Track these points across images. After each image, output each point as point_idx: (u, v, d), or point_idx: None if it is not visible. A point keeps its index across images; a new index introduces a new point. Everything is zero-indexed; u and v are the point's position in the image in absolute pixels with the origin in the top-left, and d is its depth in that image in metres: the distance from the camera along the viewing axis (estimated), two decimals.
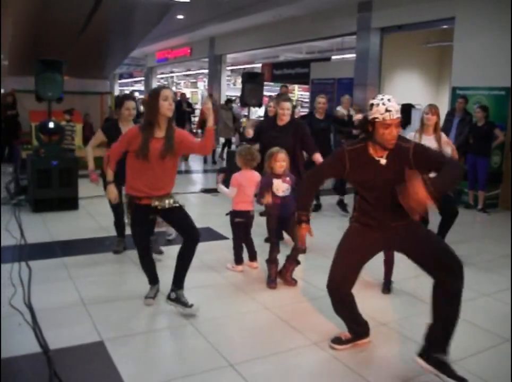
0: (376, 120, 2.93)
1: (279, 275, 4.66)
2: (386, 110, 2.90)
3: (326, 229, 6.44)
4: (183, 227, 3.94)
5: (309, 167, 4.54)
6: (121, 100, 5.34)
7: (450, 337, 2.99)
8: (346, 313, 3.46)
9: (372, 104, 2.97)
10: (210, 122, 3.79)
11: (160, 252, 5.23)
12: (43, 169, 7.10)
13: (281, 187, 4.58)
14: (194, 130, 15.34)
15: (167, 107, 3.72)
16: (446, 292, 2.97)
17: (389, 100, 2.93)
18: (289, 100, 5.75)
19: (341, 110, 8.56)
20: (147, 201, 3.85)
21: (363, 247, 3.23)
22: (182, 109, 14.63)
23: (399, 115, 2.94)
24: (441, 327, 3.00)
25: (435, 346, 3.00)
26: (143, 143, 3.72)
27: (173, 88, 30.06)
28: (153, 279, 4.19)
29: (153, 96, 3.74)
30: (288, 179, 4.63)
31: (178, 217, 3.95)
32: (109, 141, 4.92)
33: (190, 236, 3.89)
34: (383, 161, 3.04)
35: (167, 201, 3.87)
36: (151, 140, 3.74)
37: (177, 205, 3.92)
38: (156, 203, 3.84)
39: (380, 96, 2.99)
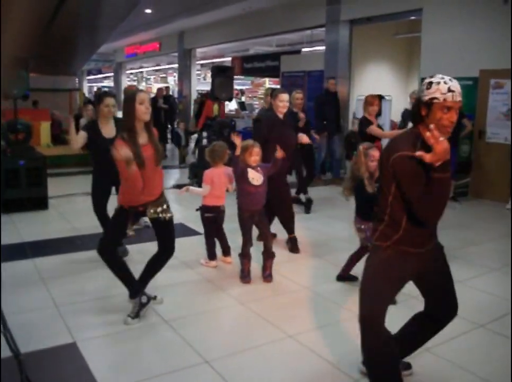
0: (435, 101, 2.38)
1: (266, 277, 4.67)
2: (449, 90, 2.37)
3: (317, 228, 6.51)
4: (164, 240, 3.91)
5: None
6: (100, 96, 5.11)
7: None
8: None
9: (431, 83, 2.40)
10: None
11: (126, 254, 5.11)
12: (10, 169, 6.94)
13: (256, 176, 4.57)
14: (179, 129, 13.16)
15: (143, 112, 3.60)
16: (434, 326, 2.86)
17: (450, 79, 2.41)
18: (286, 91, 5.69)
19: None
20: (142, 209, 3.80)
21: (401, 280, 2.67)
22: (158, 106, 13.17)
23: (461, 98, 2.44)
24: (406, 346, 2.94)
25: None
26: (136, 153, 3.56)
27: (143, 84, 29.81)
28: (134, 289, 3.87)
29: (129, 100, 3.63)
30: (259, 169, 4.62)
31: (164, 228, 3.89)
32: (89, 142, 4.82)
33: (167, 250, 3.90)
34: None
35: (160, 210, 3.82)
36: (141, 148, 3.62)
37: (169, 217, 3.86)
38: (152, 211, 3.79)
39: (438, 75, 2.44)
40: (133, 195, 3.71)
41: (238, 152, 4.41)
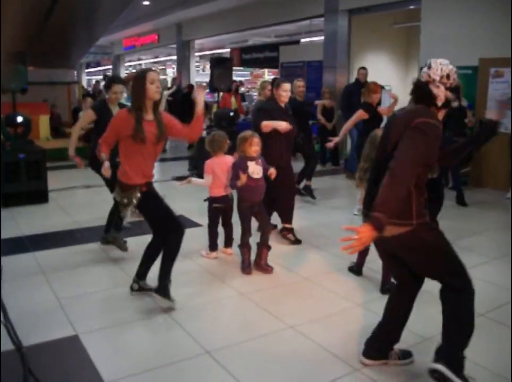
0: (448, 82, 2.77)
1: (254, 265, 4.66)
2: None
3: (317, 219, 6.51)
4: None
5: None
6: (108, 82, 5.16)
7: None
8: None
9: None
10: (200, 108, 3.78)
11: (126, 249, 5.10)
12: (10, 162, 6.94)
13: (256, 169, 4.57)
14: None
15: (154, 91, 3.62)
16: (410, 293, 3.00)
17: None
18: (288, 81, 5.67)
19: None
20: (144, 188, 3.77)
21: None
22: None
23: None
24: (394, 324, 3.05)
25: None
26: (138, 126, 3.60)
27: None
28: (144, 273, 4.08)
29: (139, 79, 3.64)
30: (260, 161, 4.63)
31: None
32: (98, 120, 4.87)
33: (174, 231, 3.87)
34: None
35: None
36: (144, 122, 3.65)
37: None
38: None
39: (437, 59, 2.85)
40: (135, 172, 3.71)
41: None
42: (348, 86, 10.31)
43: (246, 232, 4.66)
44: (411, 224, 2.63)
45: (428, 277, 2.88)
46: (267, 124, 5.17)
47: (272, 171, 4.63)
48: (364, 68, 10.20)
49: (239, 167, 4.55)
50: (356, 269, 4.58)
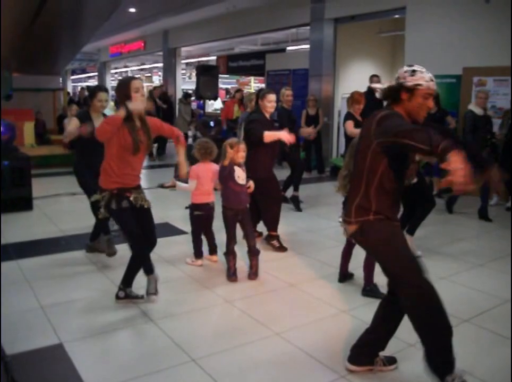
0: (419, 87, 2.61)
1: (249, 276, 4.67)
2: (431, 79, 2.64)
3: (303, 225, 6.53)
4: (145, 230, 3.91)
5: None
6: (93, 90, 5.09)
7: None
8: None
9: (414, 70, 2.64)
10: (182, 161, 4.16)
11: (114, 253, 5.05)
12: None
13: (241, 175, 4.64)
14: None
15: (140, 100, 3.63)
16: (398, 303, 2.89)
17: (426, 71, 2.66)
18: (273, 91, 5.69)
19: None
20: (128, 194, 3.80)
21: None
22: (157, 106, 12.54)
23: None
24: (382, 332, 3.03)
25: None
26: (135, 136, 3.63)
27: None
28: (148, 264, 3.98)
29: (123, 88, 3.63)
30: (244, 167, 4.69)
31: (143, 218, 3.91)
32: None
33: (150, 240, 3.93)
34: None
35: (141, 198, 3.86)
36: (138, 132, 3.68)
37: (149, 206, 3.92)
38: (135, 197, 3.81)
39: (416, 65, 2.69)
40: (118, 175, 3.72)
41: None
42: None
43: (231, 239, 4.66)
44: (368, 220, 2.70)
45: (386, 275, 2.86)
46: (270, 135, 5.13)
47: (251, 184, 4.74)
48: (376, 75, 10.13)
49: (226, 171, 4.60)
50: (340, 275, 4.61)
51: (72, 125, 4.86)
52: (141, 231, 3.86)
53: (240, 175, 4.62)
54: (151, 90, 13.68)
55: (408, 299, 2.71)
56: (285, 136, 5.15)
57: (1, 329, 3.50)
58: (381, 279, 3.21)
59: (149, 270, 3.95)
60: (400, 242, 2.77)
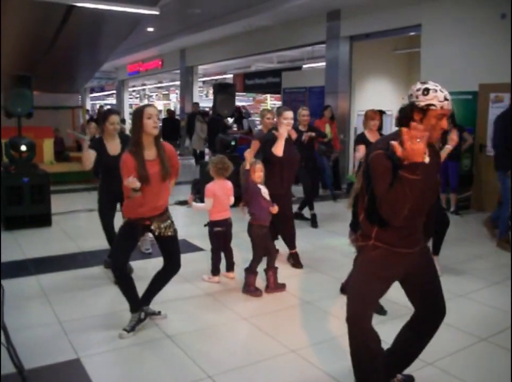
0: (432, 107, 2.44)
1: (266, 290, 4.71)
2: (445, 98, 2.45)
3: (319, 243, 6.53)
4: (170, 255, 3.96)
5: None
6: (105, 114, 5.13)
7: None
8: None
9: (428, 89, 2.47)
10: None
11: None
12: (14, 186, 6.99)
13: (266, 192, 4.75)
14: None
15: (152, 126, 3.64)
16: (425, 331, 2.84)
17: (441, 89, 2.49)
18: (290, 109, 5.63)
19: None
20: (147, 222, 3.83)
21: (386, 280, 2.69)
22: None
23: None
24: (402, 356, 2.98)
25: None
26: (141, 169, 3.62)
27: (146, 101, 29.99)
28: (136, 303, 3.93)
29: (137, 115, 3.68)
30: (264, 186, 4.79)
31: (169, 244, 3.94)
32: (98, 158, 4.84)
33: (174, 265, 3.95)
34: (427, 159, 2.36)
35: (164, 226, 3.88)
36: (147, 163, 3.67)
37: (172, 232, 3.93)
38: (156, 226, 3.84)
39: (430, 82, 2.53)
40: (133, 208, 3.75)
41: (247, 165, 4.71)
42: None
43: (258, 259, 4.74)
44: (366, 244, 2.65)
45: None
46: (278, 148, 5.16)
47: (275, 207, 4.80)
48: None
49: (254, 191, 4.70)
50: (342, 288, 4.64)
51: (91, 158, 4.82)
52: (165, 254, 3.95)
53: (265, 191, 4.74)
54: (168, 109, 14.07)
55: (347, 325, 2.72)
56: (285, 129, 5.19)
57: (20, 344, 3.54)
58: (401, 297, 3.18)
59: (133, 308, 3.92)
60: (373, 278, 2.64)
